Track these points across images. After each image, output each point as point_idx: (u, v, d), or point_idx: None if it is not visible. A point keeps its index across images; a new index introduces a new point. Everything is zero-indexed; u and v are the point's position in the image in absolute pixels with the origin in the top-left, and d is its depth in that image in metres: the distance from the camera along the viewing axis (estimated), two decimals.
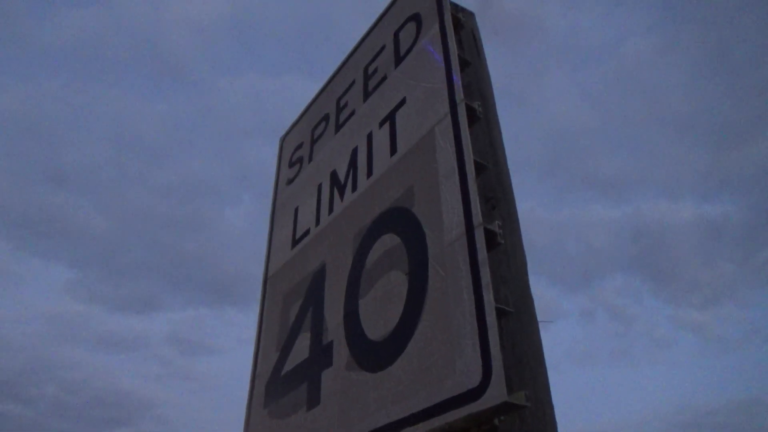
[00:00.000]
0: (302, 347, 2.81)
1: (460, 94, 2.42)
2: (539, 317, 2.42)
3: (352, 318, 2.49)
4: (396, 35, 3.16)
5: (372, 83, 3.22)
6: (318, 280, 2.92)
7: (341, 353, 2.47)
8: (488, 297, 1.83)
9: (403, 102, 2.82)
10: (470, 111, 2.39)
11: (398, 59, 3.03)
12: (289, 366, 2.87)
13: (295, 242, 3.37)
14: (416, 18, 2.97)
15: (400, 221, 2.44)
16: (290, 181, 3.84)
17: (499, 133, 2.72)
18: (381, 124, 2.93)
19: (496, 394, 1.66)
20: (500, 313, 1.86)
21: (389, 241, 2.46)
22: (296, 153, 3.94)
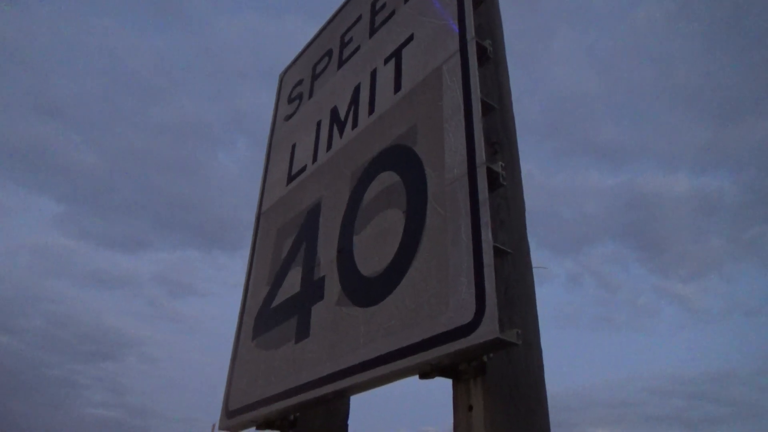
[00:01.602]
0: (294, 281, 2.80)
1: (471, 32, 2.34)
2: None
3: (345, 254, 2.48)
4: None
5: (379, 19, 3.12)
6: (313, 216, 2.89)
7: (333, 288, 2.46)
8: (486, 236, 1.81)
9: (411, 38, 2.73)
10: (481, 50, 2.31)
11: None
12: (279, 299, 2.87)
13: (291, 178, 3.33)
14: None
15: (401, 159, 2.40)
16: (288, 117, 3.76)
17: (507, 76, 2.65)
18: (386, 61, 2.84)
19: (488, 330, 1.66)
20: (497, 253, 1.85)
21: (388, 178, 2.42)
22: (296, 89, 3.85)
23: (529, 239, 2.41)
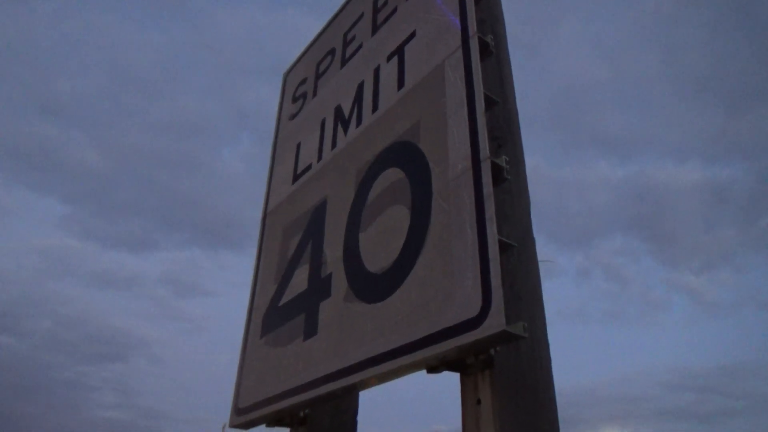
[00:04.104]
0: (301, 279, 2.82)
1: (473, 28, 2.34)
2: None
3: (352, 251, 2.49)
4: None
5: (381, 16, 3.13)
6: (319, 214, 2.91)
7: (340, 285, 2.48)
8: (491, 230, 1.82)
9: (413, 35, 2.74)
10: (483, 45, 2.32)
11: None
12: (287, 297, 2.89)
13: (296, 177, 3.34)
14: None
15: (405, 155, 2.41)
16: (293, 117, 3.78)
17: (510, 71, 2.65)
18: (389, 58, 2.85)
19: (494, 323, 1.67)
20: (502, 247, 1.85)
21: (393, 175, 2.43)
22: (300, 88, 3.86)
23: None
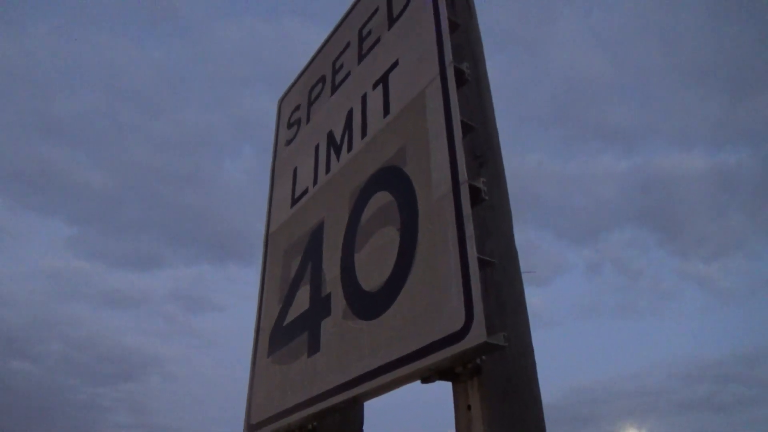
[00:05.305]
0: (303, 299, 2.98)
1: (449, 57, 2.51)
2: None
3: (348, 271, 2.66)
4: None
5: (366, 45, 3.30)
6: (317, 236, 3.07)
7: (339, 303, 2.64)
8: (471, 249, 1.98)
9: (396, 64, 2.91)
10: (459, 73, 2.48)
11: (391, 21, 3.10)
12: (290, 317, 3.05)
13: (295, 201, 3.52)
14: None
15: (393, 179, 2.57)
16: (289, 142, 3.96)
17: (489, 93, 2.82)
18: (375, 86, 3.02)
19: (476, 335, 1.83)
20: (483, 264, 2.01)
21: (383, 198, 2.60)
22: (294, 114, 4.04)
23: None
